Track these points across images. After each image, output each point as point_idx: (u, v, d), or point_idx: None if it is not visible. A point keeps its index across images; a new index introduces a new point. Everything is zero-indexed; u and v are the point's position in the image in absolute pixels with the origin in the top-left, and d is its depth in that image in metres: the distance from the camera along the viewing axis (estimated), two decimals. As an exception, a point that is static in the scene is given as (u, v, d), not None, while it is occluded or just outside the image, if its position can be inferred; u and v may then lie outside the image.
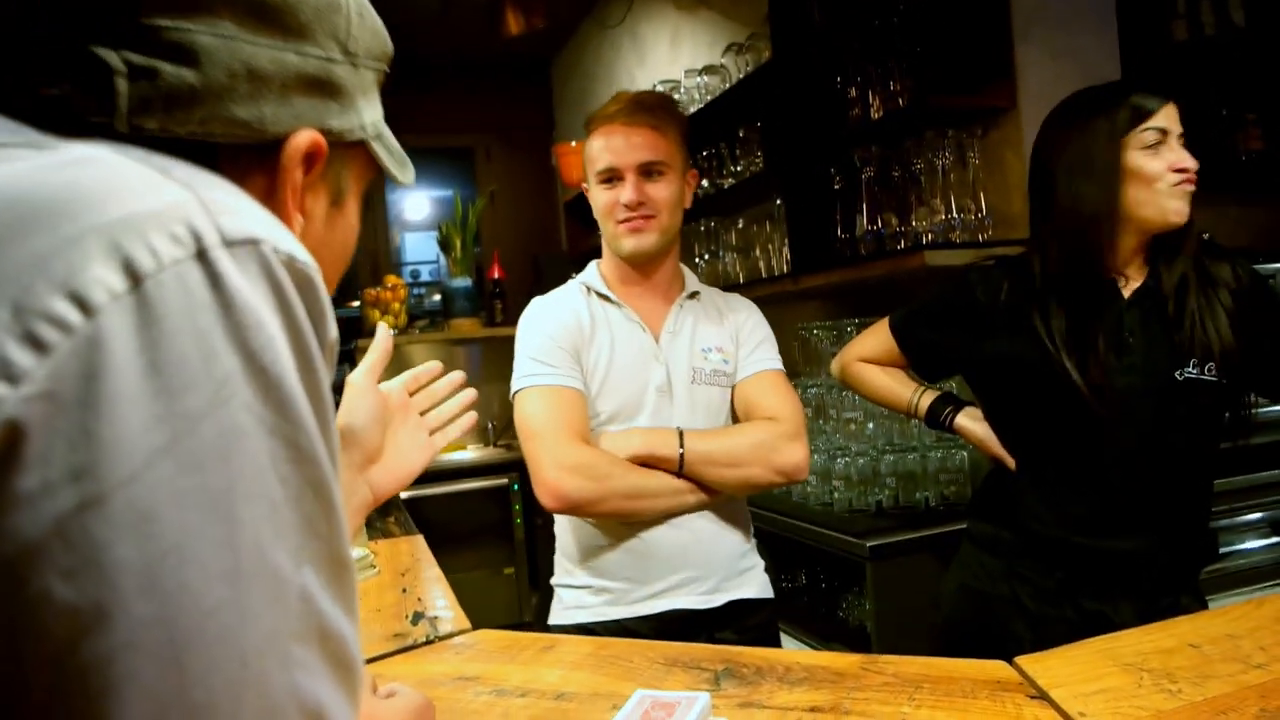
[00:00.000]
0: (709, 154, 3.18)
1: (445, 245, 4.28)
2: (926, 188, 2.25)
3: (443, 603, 1.44)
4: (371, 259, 5.01)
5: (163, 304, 0.33)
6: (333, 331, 0.41)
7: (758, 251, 2.93)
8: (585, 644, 1.17)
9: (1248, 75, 2.47)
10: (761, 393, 1.53)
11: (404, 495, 3.43)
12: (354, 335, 4.23)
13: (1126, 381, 1.36)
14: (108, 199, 0.34)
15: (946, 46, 2.16)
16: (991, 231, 2.16)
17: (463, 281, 4.28)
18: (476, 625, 1.28)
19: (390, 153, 0.60)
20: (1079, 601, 1.40)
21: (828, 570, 2.45)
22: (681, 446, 1.42)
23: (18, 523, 0.30)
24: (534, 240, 5.02)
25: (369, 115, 0.56)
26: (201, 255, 0.34)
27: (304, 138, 0.50)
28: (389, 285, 4.28)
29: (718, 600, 1.46)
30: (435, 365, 0.96)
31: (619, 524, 1.46)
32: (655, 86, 3.43)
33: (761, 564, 1.57)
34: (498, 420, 4.26)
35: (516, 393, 1.47)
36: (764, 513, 2.42)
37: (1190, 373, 1.36)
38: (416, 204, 5.53)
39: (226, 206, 0.37)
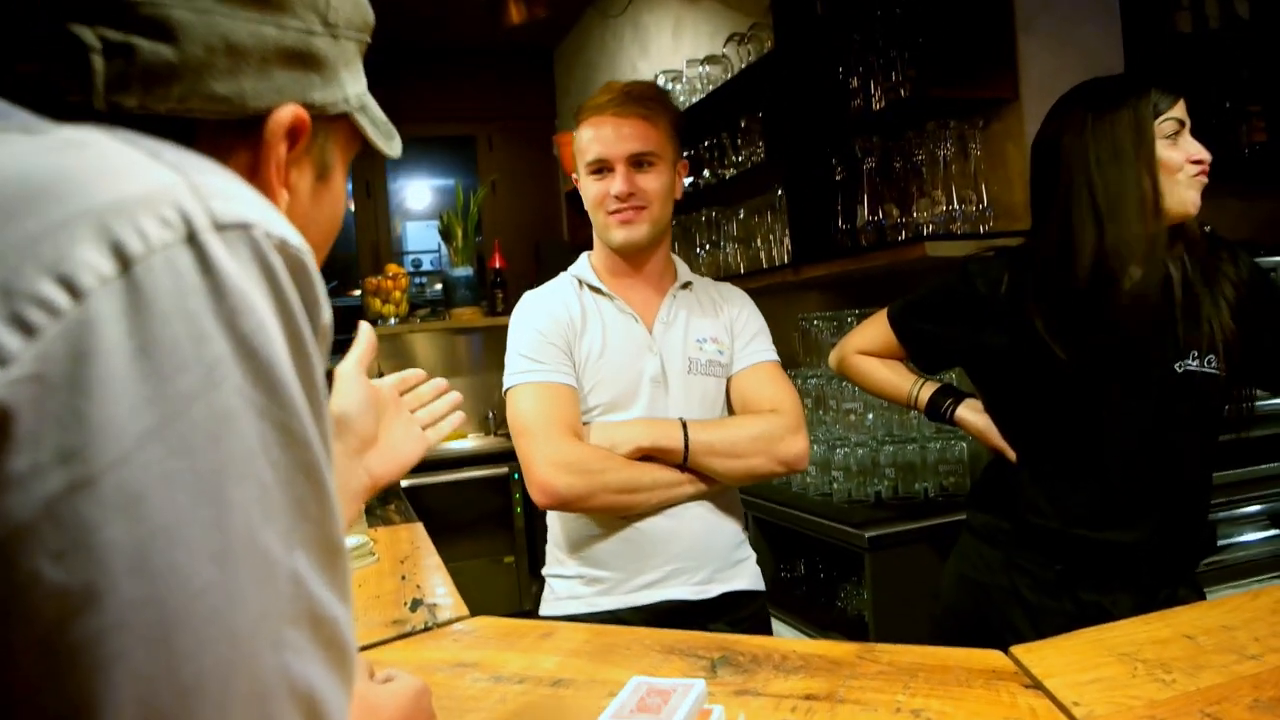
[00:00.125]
0: (710, 144, 3.17)
1: (447, 234, 4.27)
2: (928, 179, 2.24)
3: (442, 590, 1.44)
4: (373, 248, 5.01)
5: (152, 287, 0.33)
6: (326, 316, 0.41)
7: (759, 242, 2.93)
8: (583, 631, 1.17)
9: (1252, 68, 2.46)
10: (760, 384, 1.53)
11: (404, 484, 3.44)
12: (355, 324, 4.23)
13: (1125, 373, 1.36)
14: (97, 182, 0.34)
15: (949, 37, 2.15)
16: (993, 223, 2.16)
17: (464, 271, 4.28)
18: (476, 613, 1.29)
19: (375, 124, 0.59)
20: (1077, 593, 1.40)
21: (826, 560, 2.46)
22: (686, 437, 1.42)
23: (7, 504, 0.30)
24: (535, 229, 5.01)
25: (352, 87, 0.56)
26: (191, 239, 0.34)
27: (286, 113, 0.49)
28: (390, 274, 4.28)
29: (711, 591, 1.47)
30: (420, 371, 0.97)
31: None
32: (657, 76, 3.43)
33: (753, 556, 1.57)
34: (498, 410, 4.27)
35: (508, 390, 1.47)
36: (763, 502, 2.43)
37: (1190, 365, 1.36)
38: (418, 193, 5.52)
39: (217, 190, 0.37)
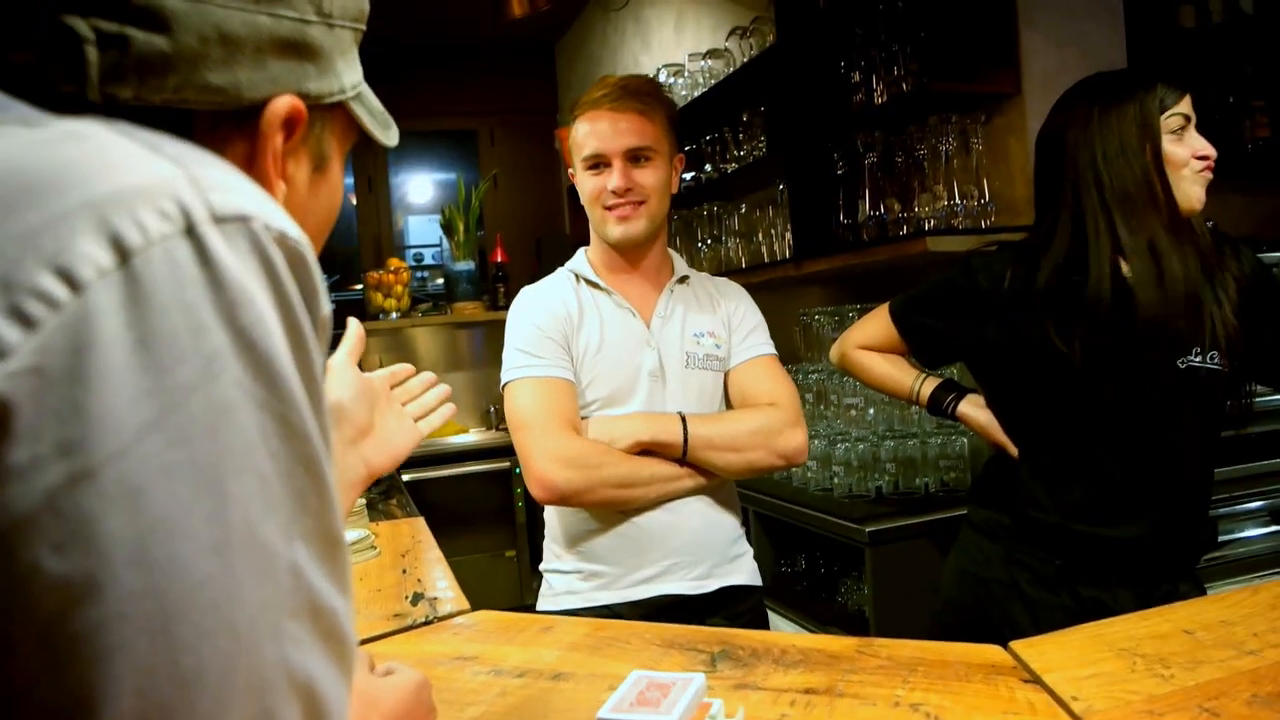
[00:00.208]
0: (712, 138, 3.16)
1: (448, 228, 4.28)
2: (929, 173, 2.24)
3: (443, 584, 1.45)
4: (374, 242, 5.01)
5: (151, 280, 0.33)
6: (325, 308, 0.41)
7: (760, 236, 2.93)
8: (583, 625, 1.17)
9: (1255, 63, 2.46)
10: (758, 378, 1.53)
11: (406, 478, 3.45)
12: (357, 318, 4.23)
13: (1128, 369, 1.36)
14: (96, 175, 0.34)
15: (951, 32, 2.15)
16: (994, 218, 2.16)
17: (465, 265, 4.28)
18: (477, 607, 1.29)
19: (372, 113, 0.59)
20: (1077, 588, 1.40)
21: (827, 555, 2.46)
22: (685, 431, 1.42)
23: (8, 496, 0.30)
24: (537, 224, 5.01)
25: (348, 77, 0.55)
26: (190, 231, 0.34)
27: (282, 103, 0.49)
28: (392, 268, 4.28)
29: (709, 586, 1.47)
30: (409, 366, 0.98)
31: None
32: (659, 70, 3.42)
33: (750, 551, 1.57)
34: (499, 404, 4.27)
35: (506, 384, 1.47)
36: (763, 497, 2.43)
37: (1193, 361, 1.36)
38: (420, 187, 5.52)
39: (216, 183, 0.37)
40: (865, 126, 2.38)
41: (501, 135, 5.14)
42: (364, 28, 0.57)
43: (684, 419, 1.44)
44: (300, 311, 0.38)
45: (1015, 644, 0.97)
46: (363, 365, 0.91)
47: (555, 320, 1.48)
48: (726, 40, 3.06)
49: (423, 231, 5.31)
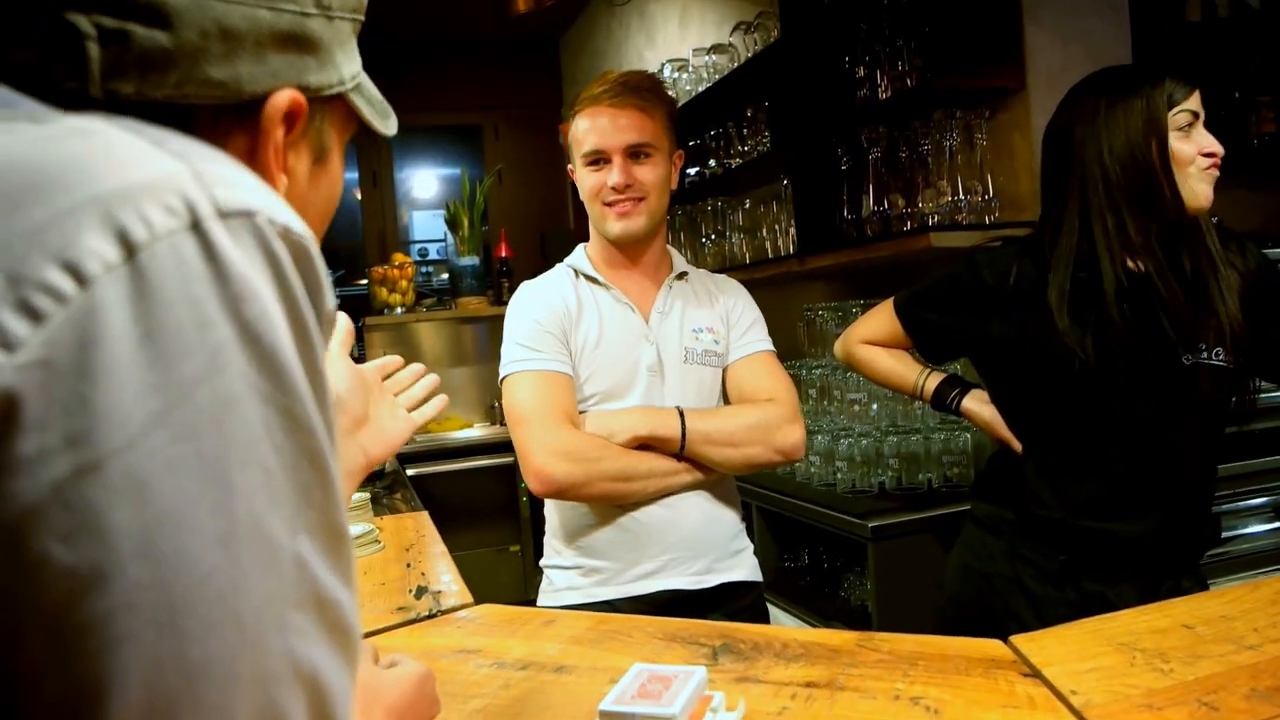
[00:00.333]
0: (716, 133, 3.16)
1: (453, 223, 4.28)
2: (933, 169, 2.24)
3: (446, 578, 1.45)
4: (379, 237, 5.02)
5: (156, 274, 0.33)
6: (329, 303, 0.42)
7: (764, 232, 2.93)
8: (585, 619, 1.18)
9: (1262, 58, 2.44)
10: (755, 374, 1.53)
11: (410, 472, 3.46)
12: (362, 313, 4.25)
13: (1133, 365, 1.36)
14: (102, 170, 0.34)
15: (955, 27, 2.15)
16: (998, 213, 2.16)
17: (470, 260, 4.29)
18: (481, 602, 1.30)
19: (370, 103, 0.60)
20: (1081, 583, 1.40)
21: (830, 550, 2.46)
22: (683, 426, 1.43)
23: (16, 487, 0.30)
24: (541, 219, 5.02)
25: (347, 68, 0.56)
26: (195, 226, 0.35)
27: (283, 97, 0.50)
28: (396, 263, 4.29)
29: (710, 581, 1.47)
30: (398, 358, 0.99)
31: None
32: (664, 65, 3.42)
33: (751, 546, 1.58)
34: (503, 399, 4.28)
35: (504, 378, 1.47)
36: (766, 492, 2.43)
37: (1198, 357, 1.36)
38: (424, 182, 5.53)
39: (221, 178, 0.37)
40: (869, 122, 2.37)
41: (506, 130, 5.14)
42: (363, 18, 0.57)
43: (682, 414, 1.44)
44: (305, 305, 0.39)
45: (1015, 638, 0.98)
46: (364, 361, 0.92)
47: (554, 315, 1.48)
48: (731, 35, 3.06)
49: (427, 226, 5.32)
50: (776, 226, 2.87)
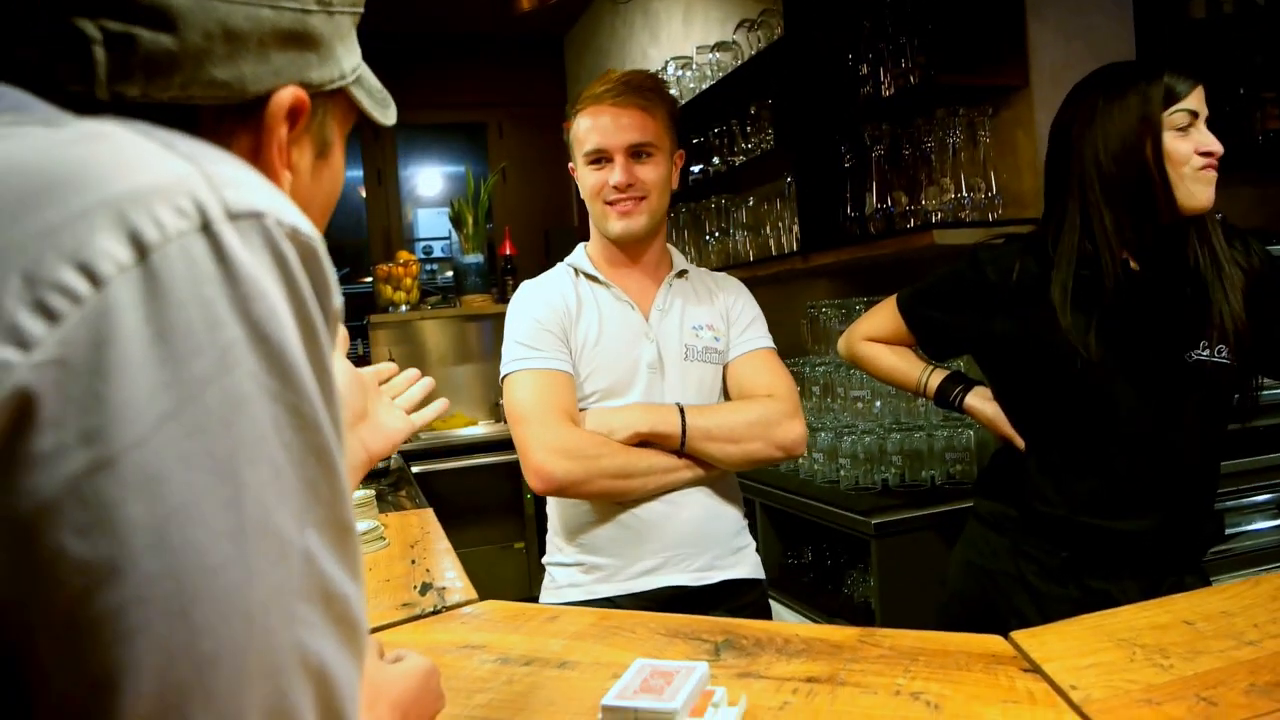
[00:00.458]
0: (720, 131, 3.17)
1: (457, 221, 4.28)
2: (937, 166, 2.24)
3: (451, 574, 1.46)
4: (384, 235, 5.03)
5: (168, 275, 0.34)
6: (336, 302, 0.42)
7: (768, 229, 2.93)
8: (588, 615, 1.19)
9: (1266, 54, 2.44)
10: (755, 371, 1.54)
11: (415, 470, 3.47)
12: (366, 310, 4.26)
13: (1136, 363, 1.36)
14: (114, 173, 0.35)
15: (959, 24, 2.15)
16: (1001, 211, 2.16)
17: (474, 258, 4.29)
18: (485, 598, 1.30)
19: (371, 95, 0.60)
20: (1083, 580, 1.41)
21: (833, 547, 2.47)
22: (683, 422, 1.43)
23: (33, 482, 0.31)
24: (546, 216, 5.02)
25: (348, 62, 0.56)
26: (206, 228, 0.35)
27: (286, 95, 0.50)
28: (401, 261, 4.29)
29: (711, 578, 1.48)
30: (393, 365, 1.00)
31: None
32: (667, 63, 3.42)
33: (753, 544, 1.58)
34: (508, 396, 4.29)
35: (505, 377, 1.48)
36: (770, 489, 2.44)
37: (1201, 355, 1.36)
38: (429, 180, 5.54)
39: (230, 179, 0.38)
40: (873, 119, 2.37)
41: (510, 128, 5.14)
42: (362, 9, 0.57)
43: (682, 410, 1.45)
44: (312, 305, 0.39)
45: (1016, 634, 0.98)
46: (369, 361, 0.93)
47: (554, 313, 1.49)
48: (734, 33, 3.06)
49: (432, 224, 5.33)
50: (780, 224, 2.87)
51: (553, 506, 1.56)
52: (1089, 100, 1.39)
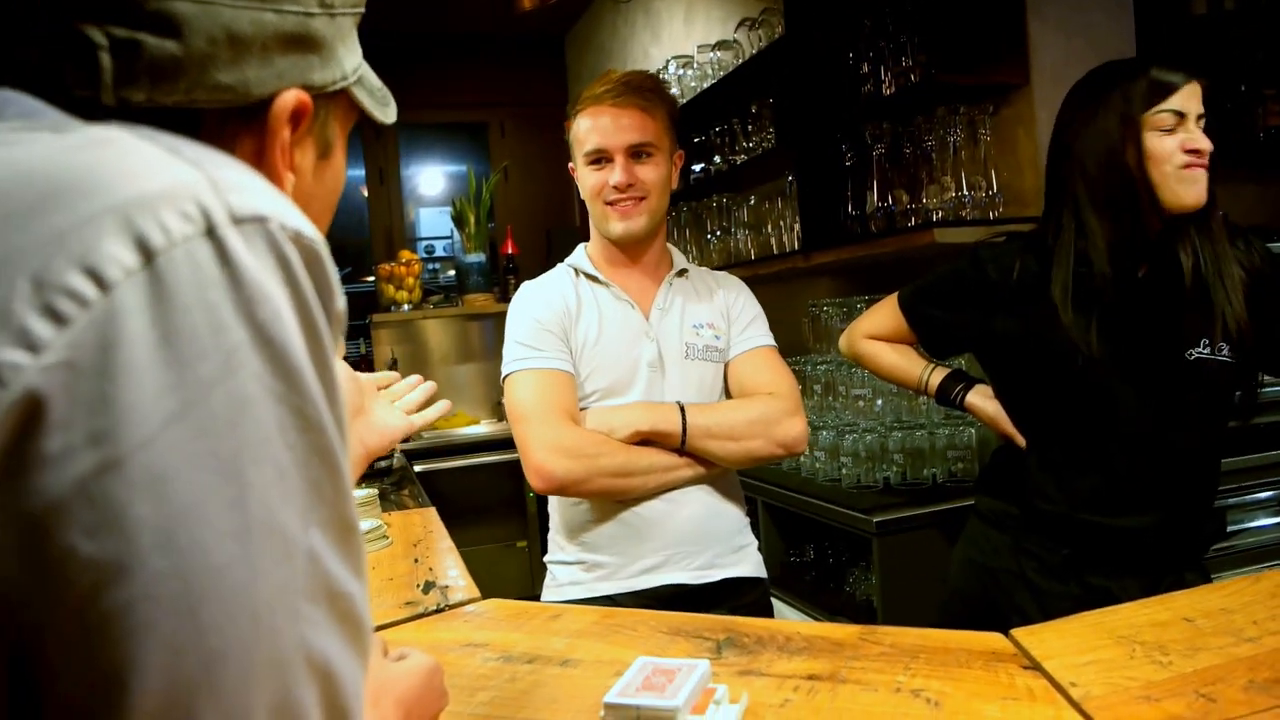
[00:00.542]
0: (721, 130, 3.17)
1: (459, 220, 4.29)
2: (938, 165, 2.24)
3: (454, 572, 1.47)
4: (386, 234, 5.03)
5: (174, 279, 0.34)
6: (339, 304, 0.43)
7: (769, 228, 2.94)
8: (590, 613, 1.19)
9: (1267, 50, 2.44)
10: (757, 369, 1.54)
11: (417, 469, 3.47)
12: (369, 310, 4.26)
13: (1136, 361, 1.36)
14: (121, 179, 0.36)
15: (959, 22, 2.15)
16: (1002, 209, 2.16)
17: (476, 257, 4.30)
18: (488, 597, 1.31)
19: (371, 94, 0.60)
20: (1084, 577, 1.41)
21: (835, 545, 2.47)
22: (683, 421, 1.44)
23: (43, 482, 0.32)
24: (547, 216, 5.03)
25: (349, 63, 0.56)
26: (211, 232, 0.36)
27: (289, 97, 0.51)
28: (403, 260, 4.30)
29: (712, 576, 1.48)
30: (394, 374, 1.01)
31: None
32: (668, 62, 3.42)
33: (755, 543, 1.58)
34: (511, 395, 4.29)
35: (506, 377, 1.49)
36: (772, 487, 2.44)
37: (1201, 353, 1.36)
38: (431, 179, 5.54)
39: (234, 184, 0.38)
40: (873, 118, 2.38)
41: (512, 127, 5.15)
42: (363, 10, 0.58)
43: (682, 408, 1.45)
44: (315, 308, 0.40)
45: (1016, 631, 0.99)
46: (371, 360, 0.93)
47: (554, 313, 1.50)
48: (735, 32, 3.06)
49: (434, 223, 5.33)
50: (781, 222, 2.87)
51: (554, 505, 1.57)
52: (1079, 101, 1.40)
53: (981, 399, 1.59)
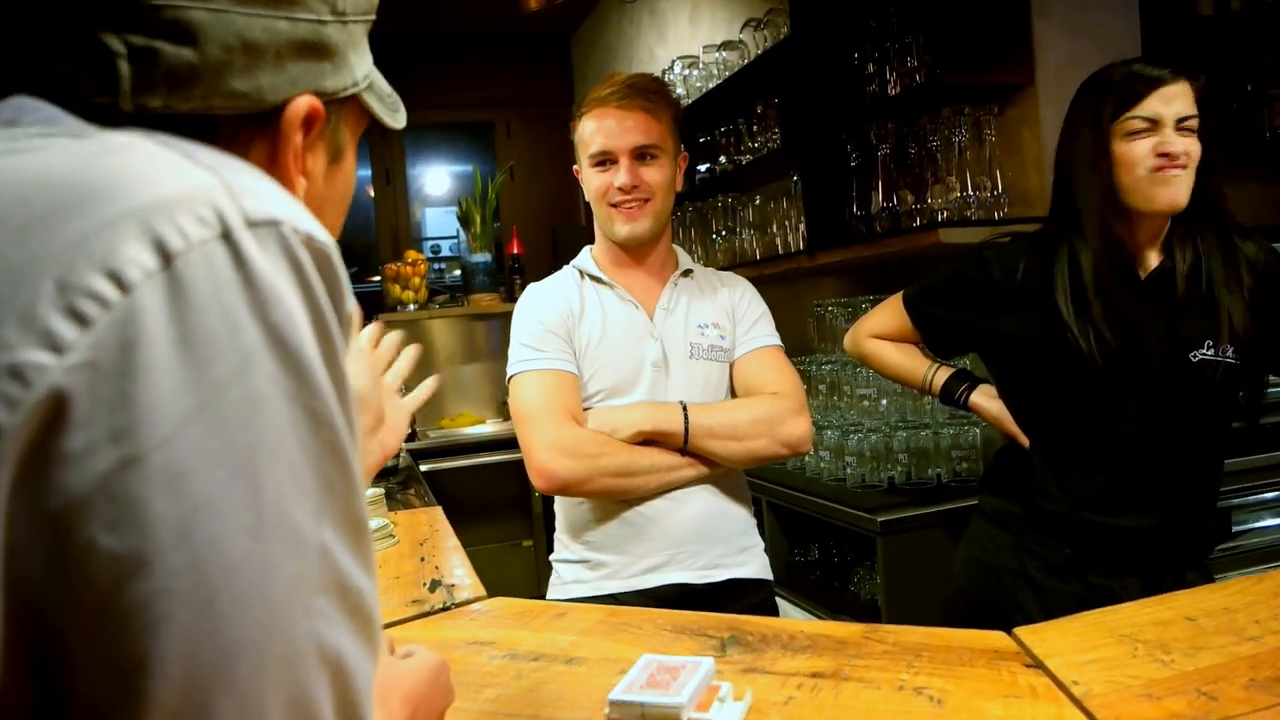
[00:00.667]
0: (726, 130, 3.17)
1: (465, 220, 4.30)
2: (942, 165, 2.24)
3: (460, 571, 1.48)
4: (392, 234, 5.05)
5: (191, 281, 0.36)
6: (350, 305, 0.44)
7: (774, 228, 2.94)
8: (596, 612, 1.20)
9: (1274, 50, 2.43)
10: (762, 369, 1.55)
11: (423, 468, 3.49)
12: (376, 310, 4.28)
13: (1140, 362, 1.36)
14: (140, 184, 0.37)
15: (964, 23, 2.15)
16: (1007, 209, 2.16)
17: (482, 257, 4.31)
18: (494, 596, 1.32)
19: (382, 100, 0.61)
20: (1086, 576, 1.41)
21: (840, 545, 2.48)
22: (686, 420, 1.44)
23: (65, 479, 0.33)
24: (553, 215, 5.04)
25: (360, 69, 0.57)
26: (226, 236, 0.37)
27: (301, 103, 0.52)
28: (409, 260, 4.31)
29: (716, 576, 1.48)
30: (375, 328, 0.96)
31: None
32: (674, 62, 3.43)
33: (761, 544, 1.58)
34: (516, 395, 4.30)
35: (510, 378, 1.50)
36: (777, 487, 2.45)
37: (1205, 354, 1.36)
38: (437, 179, 5.56)
39: (249, 189, 0.39)
40: (878, 118, 2.38)
41: (518, 127, 5.16)
42: (374, 17, 0.59)
43: (685, 408, 1.45)
44: (327, 309, 0.41)
45: (1019, 630, 0.99)
46: None
47: (557, 315, 1.51)
48: (741, 32, 3.06)
49: (440, 223, 5.35)
50: (786, 222, 2.88)
51: (559, 504, 1.58)
52: (1069, 109, 1.43)
53: (985, 399, 1.59)
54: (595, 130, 1.50)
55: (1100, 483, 1.41)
